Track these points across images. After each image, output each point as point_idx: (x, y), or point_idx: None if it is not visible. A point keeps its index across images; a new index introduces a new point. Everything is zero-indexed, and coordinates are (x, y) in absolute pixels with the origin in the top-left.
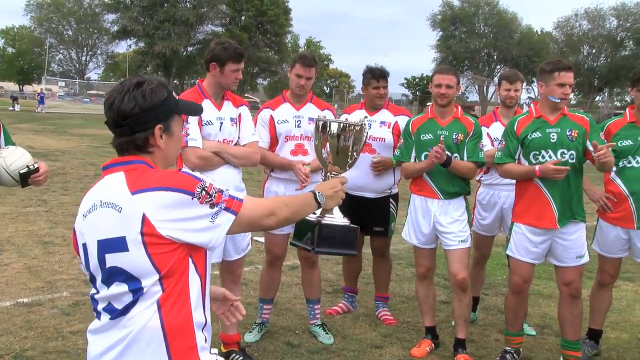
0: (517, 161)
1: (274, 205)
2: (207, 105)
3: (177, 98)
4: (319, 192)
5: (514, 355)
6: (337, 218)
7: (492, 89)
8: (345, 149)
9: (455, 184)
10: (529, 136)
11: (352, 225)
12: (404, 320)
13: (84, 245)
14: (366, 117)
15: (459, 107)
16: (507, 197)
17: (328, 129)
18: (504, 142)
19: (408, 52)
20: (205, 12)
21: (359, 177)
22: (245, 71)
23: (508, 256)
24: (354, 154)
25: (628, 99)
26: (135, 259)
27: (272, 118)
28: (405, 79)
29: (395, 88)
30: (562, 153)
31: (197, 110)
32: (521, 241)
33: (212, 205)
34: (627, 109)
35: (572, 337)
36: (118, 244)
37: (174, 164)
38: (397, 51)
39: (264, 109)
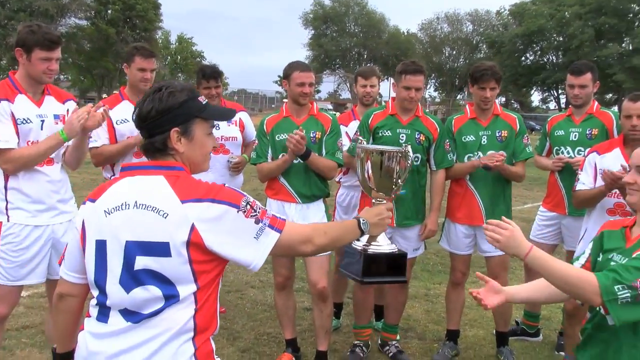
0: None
1: (312, 232)
2: (22, 101)
3: (203, 103)
4: (363, 220)
5: (363, 348)
6: (383, 245)
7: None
8: (389, 174)
9: (313, 186)
10: (379, 132)
11: (399, 252)
12: (264, 331)
13: (101, 242)
14: (408, 144)
15: (314, 103)
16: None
17: (370, 155)
18: (357, 134)
19: (282, 51)
20: (67, 4)
21: (216, 181)
22: (114, 67)
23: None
24: (399, 180)
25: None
26: (176, 265)
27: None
28: (279, 76)
29: (269, 86)
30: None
31: (226, 115)
32: None
33: (257, 221)
34: (467, 106)
35: (392, 321)
36: (159, 249)
37: (205, 169)
38: (272, 50)
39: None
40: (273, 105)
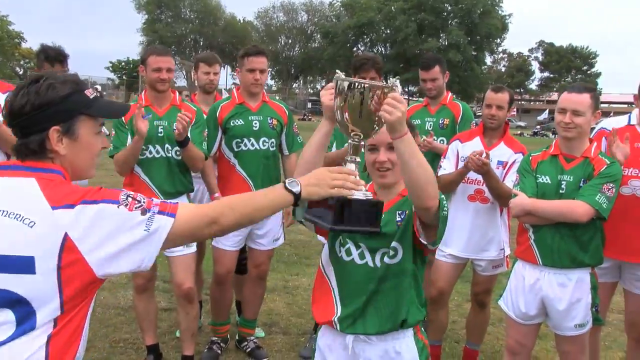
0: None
1: (215, 209)
2: None
3: (91, 97)
4: (289, 181)
5: (221, 344)
6: (358, 192)
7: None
8: (369, 113)
9: (177, 181)
10: (231, 122)
11: (376, 200)
12: (120, 337)
13: None
14: (398, 78)
15: (177, 93)
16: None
17: (350, 90)
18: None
19: (113, 35)
20: None
21: None
22: None
23: (213, 247)
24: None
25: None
26: (40, 284)
27: None
28: (111, 62)
29: (100, 72)
30: (264, 141)
31: (117, 112)
32: None
33: (144, 211)
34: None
35: (250, 316)
36: (20, 264)
37: (91, 175)
38: (102, 34)
39: None
40: (105, 93)
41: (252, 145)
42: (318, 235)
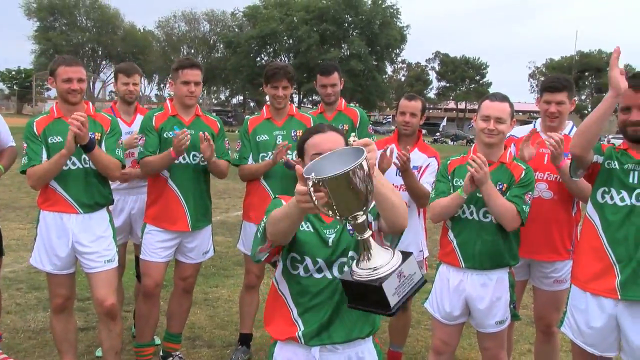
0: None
1: None
2: None
3: None
4: None
5: None
6: (364, 270)
7: (98, 84)
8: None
9: (95, 193)
10: (164, 134)
11: (372, 282)
12: None
13: None
14: (354, 134)
15: (89, 103)
16: (134, 201)
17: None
18: (144, 139)
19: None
20: None
21: None
22: None
23: (138, 259)
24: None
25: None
26: None
27: None
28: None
29: None
30: (194, 155)
31: None
32: (152, 242)
33: None
34: (264, 107)
35: (176, 330)
36: None
37: None
38: None
39: None
40: None
41: (184, 158)
42: (238, 246)
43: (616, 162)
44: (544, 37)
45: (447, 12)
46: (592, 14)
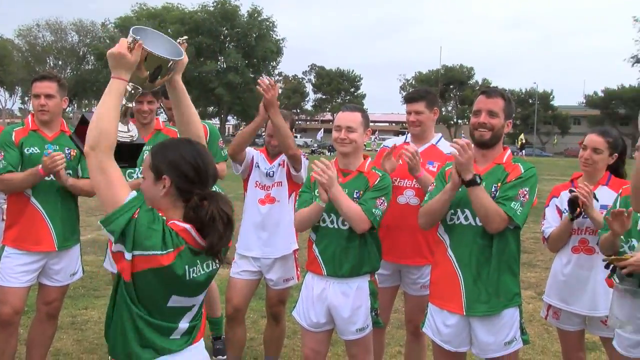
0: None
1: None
2: None
3: None
4: None
5: None
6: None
7: None
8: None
9: None
10: (26, 150)
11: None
12: None
13: None
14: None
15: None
16: None
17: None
18: (2, 154)
19: None
20: None
21: None
22: None
23: None
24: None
25: None
26: None
27: None
28: None
29: None
30: (69, 173)
31: None
32: (12, 267)
33: None
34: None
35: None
36: None
37: None
38: None
39: None
40: None
41: (49, 175)
42: (104, 264)
43: None
44: (414, 51)
45: (322, 27)
46: (453, 31)
